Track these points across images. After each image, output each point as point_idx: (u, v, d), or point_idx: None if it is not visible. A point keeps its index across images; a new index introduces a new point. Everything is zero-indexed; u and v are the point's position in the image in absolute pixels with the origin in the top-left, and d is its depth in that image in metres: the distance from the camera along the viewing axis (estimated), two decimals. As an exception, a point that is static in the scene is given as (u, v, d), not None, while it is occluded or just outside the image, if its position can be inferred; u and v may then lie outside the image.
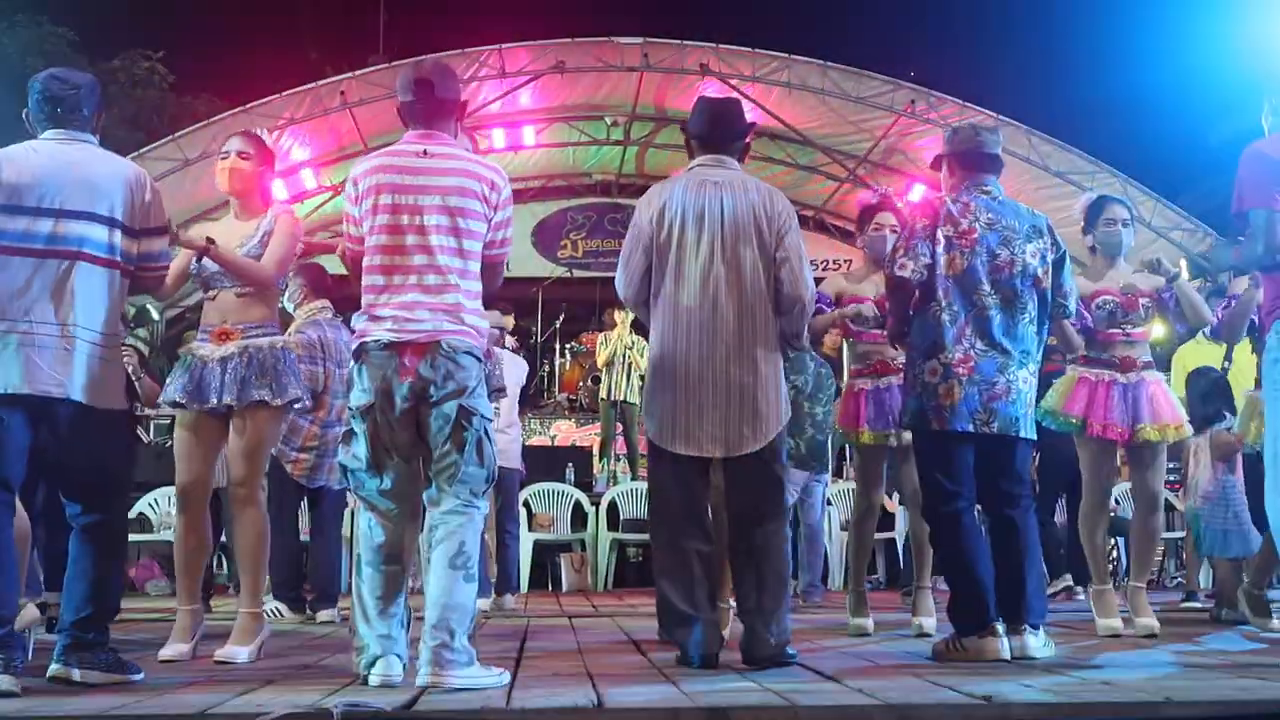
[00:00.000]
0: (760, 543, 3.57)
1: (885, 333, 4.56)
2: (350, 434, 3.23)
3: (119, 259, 3.35)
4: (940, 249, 3.75)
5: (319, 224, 11.37)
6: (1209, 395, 5.27)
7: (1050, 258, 3.85)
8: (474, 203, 3.25)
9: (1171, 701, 2.72)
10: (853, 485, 8.57)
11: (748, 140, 3.90)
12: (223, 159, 4.10)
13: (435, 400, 3.13)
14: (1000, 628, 3.64)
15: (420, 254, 3.20)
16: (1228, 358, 5.95)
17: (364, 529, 3.24)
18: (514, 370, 6.64)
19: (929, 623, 4.61)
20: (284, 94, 10.09)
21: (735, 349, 3.57)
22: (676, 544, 3.60)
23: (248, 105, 10.02)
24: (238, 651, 3.79)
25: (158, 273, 3.52)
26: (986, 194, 3.87)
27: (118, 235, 3.33)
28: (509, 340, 7.47)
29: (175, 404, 3.93)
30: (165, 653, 3.83)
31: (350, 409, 3.24)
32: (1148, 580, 4.72)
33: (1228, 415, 5.20)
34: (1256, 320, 4.27)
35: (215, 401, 3.88)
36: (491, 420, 3.28)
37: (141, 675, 3.28)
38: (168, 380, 4.03)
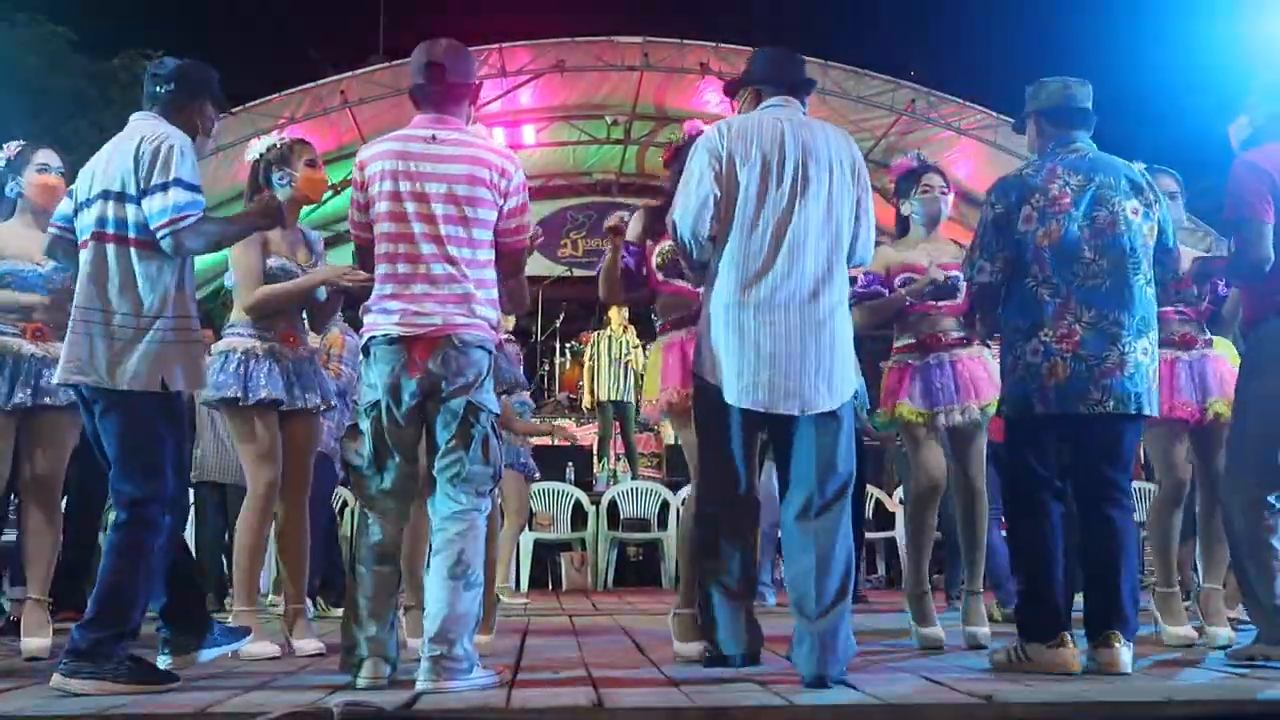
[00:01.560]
0: (830, 520, 3.14)
1: (938, 300, 4.24)
2: (355, 430, 3.19)
3: (132, 233, 3.16)
4: (1033, 225, 3.47)
5: (319, 223, 11.37)
6: None
7: (1156, 214, 3.54)
8: (483, 190, 3.16)
9: (1172, 701, 2.72)
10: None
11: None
12: (311, 165, 4.16)
13: (444, 396, 3.08)
14: (1070, 637, 3.32)
15: (428, 243, 3.12)
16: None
17: (360, 527, 3.21)
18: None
19: (983, 633, 4.13)
20: (283, 93, 10.10)
21: (811, 296, 3.21)
22: (729, 522, 3.24)
23: (247, 105, 10.02)
24: (308, 644, 3.97)
25: (179, 221, 3.12)
26: (1074, 153, 3.55)
27: (123, 208, 3.17)
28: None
29: (273, 403, 3.94)
30: (260, 650, 3.82)
31: (358, 405, 3.22)
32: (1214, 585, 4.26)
33: None
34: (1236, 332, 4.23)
35: (305, 401, 4.01)
36: (500, 415, 3.22)
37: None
38: (256, 376, 3.92)
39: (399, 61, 10.07)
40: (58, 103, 13.19)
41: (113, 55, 14.35)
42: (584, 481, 9.02)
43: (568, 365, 11.97)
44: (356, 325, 3.65)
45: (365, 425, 3.15)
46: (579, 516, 8.55)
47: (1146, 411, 3.43)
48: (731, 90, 3.61)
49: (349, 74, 10.23)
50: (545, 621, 5.42)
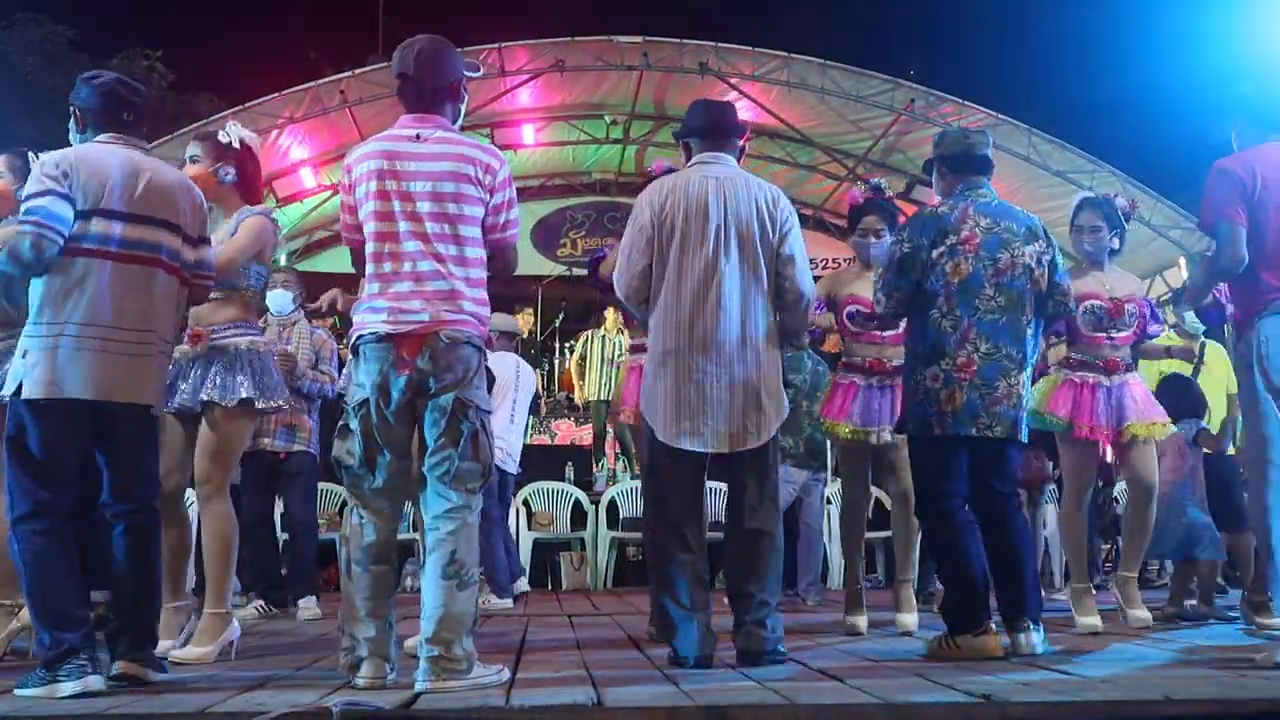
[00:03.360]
0: (756, 541, 3.60)
1: (883, 331, 4.61)
2: (346, 429, 3.19)
3: (181, 266, 3.38)
4: (944, 260, 3.77)
5: (318, 223, 11.40)
6: (1180, 401, 5.18)
7: (1046, 259, 3.87)
8: (468, 187, 3.17)
9: (1170, 700, 2.72)
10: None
11: (743, 142, 3.92)
12: (193, 162, 4.05)
13: (433, 393, 3.09)
14: (994, 626, 3.68)
15: (413, 240, 3.14)
16: (1200, 358, 5.92)
17: (354, 527, 3.20)
18: (526, 380, 6.71)
19: (910, 619, 4.59)
20: (283, 93, 10.09)
21: (739, 344, 3.58)
22: (671, 545, 3.59)
23: (247, 104, 10.02)
24: (194, 651, 3.73)
25: (208, 280, 3.52)
26: (983, 198, 3.89)
27: (179, 242, 3.36)
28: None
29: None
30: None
31: (346, 404, 3.22)
32: (1140, 574, 4.76)
33: (1199, 418, 5.23)
34: (1228, 329, 4.35)
35: (187, 402, 3.89)
36: (490, 412, 3.22)
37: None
38: None
39: (398, 62, 10.06)
40: (57, 102, 13.21)
41: (113, 55, 14.40)
42: (583, 481, 9.01)
43: (567, 365, 11.98)
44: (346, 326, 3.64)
45: (355, 424, 3.15)
46: (578, 516, 8.55)
47: (1023, 439, 3.85)
48: (680, 140, 3.95)
49: (349, 74, 10.22)
50: (544, 621, 5.43)
